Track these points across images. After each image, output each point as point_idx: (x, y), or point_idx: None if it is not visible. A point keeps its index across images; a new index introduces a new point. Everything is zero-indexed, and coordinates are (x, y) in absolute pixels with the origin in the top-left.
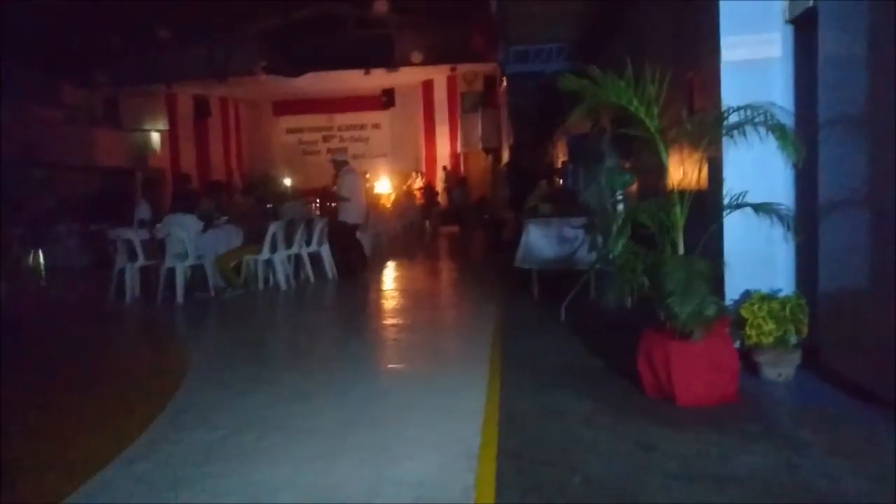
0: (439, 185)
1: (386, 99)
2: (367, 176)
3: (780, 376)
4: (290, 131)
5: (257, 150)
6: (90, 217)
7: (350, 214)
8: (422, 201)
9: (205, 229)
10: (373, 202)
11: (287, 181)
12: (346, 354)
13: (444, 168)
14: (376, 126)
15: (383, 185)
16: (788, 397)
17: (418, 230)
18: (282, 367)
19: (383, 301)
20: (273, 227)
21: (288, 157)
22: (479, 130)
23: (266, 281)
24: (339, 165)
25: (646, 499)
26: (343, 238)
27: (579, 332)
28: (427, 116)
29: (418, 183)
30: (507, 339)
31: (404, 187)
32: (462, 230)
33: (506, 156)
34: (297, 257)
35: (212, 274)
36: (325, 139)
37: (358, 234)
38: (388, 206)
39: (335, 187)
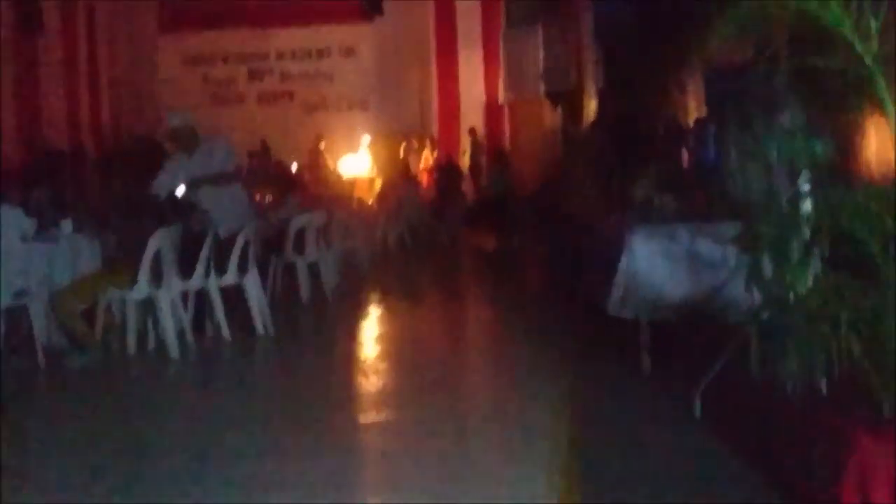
0: (463, 162)
1: (367, 2)
2: (322, 145)
3: None
4: (190, 61)
5: (131, 95)
6: None
7: (226, 218)
8: (432, 190)
9: (35, 239)
10: (339, 193)
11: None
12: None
13: (472, 132)
14: (348, 52)
15: (359, 162)
16: None
17: (425, 241)
18: None
19: (358, 377)
20: (155, 241)
21: (186, 106)
22: (538, 61)
23: (142, 338)
24: (183, 137)
25: None
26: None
27: (730, 439)
28: (442, 35)
29: (424, 158)
30: (592, 460)
31: (399, 166)
32: (503, 241)
33: (590, 108)
34: (200, 296)
35: (43, 323)
36: (254, 76)
37: (306, 258)
38: (370, 198)
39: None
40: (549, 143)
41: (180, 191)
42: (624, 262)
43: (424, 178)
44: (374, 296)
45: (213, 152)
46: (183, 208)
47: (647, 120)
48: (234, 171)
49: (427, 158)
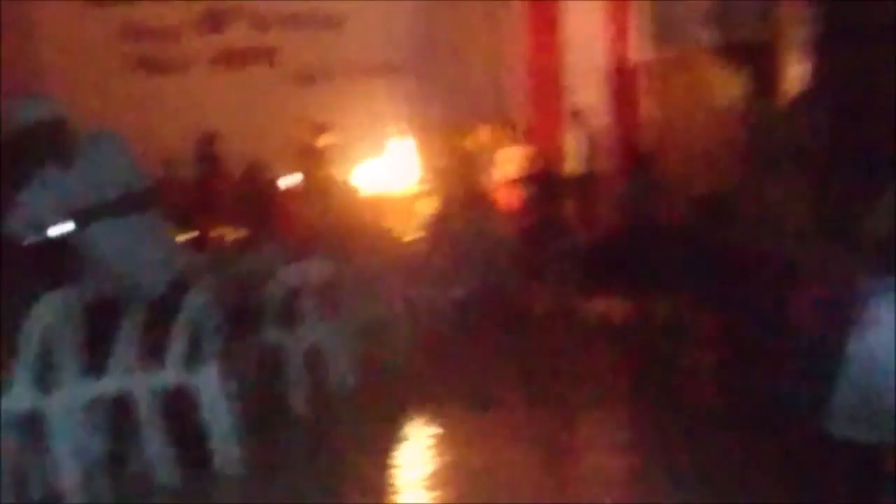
0: (566, 168)
1: None
2: (324, 141)
3: None
4: None
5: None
6: None
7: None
8: (517, 218)
9: None
10: (354, 224)
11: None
12: None
13: (577, 115)
14: None
15: (389, 171)
16: None
17: (506, 309)
18: None
19: None
20: (40, 316)
21: (89, 75)
22: None
23: (20, 479)
24: (47, 139)
25: None
26: None
27: None
28: None
29: (505, 162)
30: None
31: (461, 176)
32: (642, 307)
33: (793, 73)
34: (121, 406)
35: None
36: (209, 23)
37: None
38: (410, 233)
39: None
40: (721, 132)
41: (57, 229)
42: (856, 347)
43: (505, 198)
44: (416, 407)
45: (102, 160)
46: (70, 259)
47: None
48: (146, 190)
49: (509, 163)
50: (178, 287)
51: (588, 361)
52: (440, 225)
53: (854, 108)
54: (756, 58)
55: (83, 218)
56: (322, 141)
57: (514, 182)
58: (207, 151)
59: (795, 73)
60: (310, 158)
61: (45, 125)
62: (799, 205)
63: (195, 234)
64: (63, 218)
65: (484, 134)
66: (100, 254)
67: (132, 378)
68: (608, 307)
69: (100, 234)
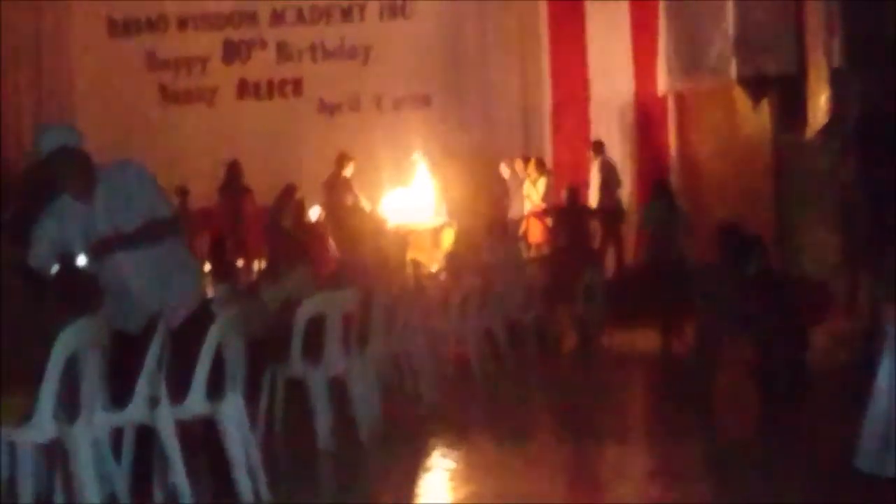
0: (591, 195)
1: None
2: (349, 171)
3: None
4: (122, 28)
5: (24, 85)
6: None
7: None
8: (545, 251)
9: None
10: (381, 255)
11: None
12: None
13: (598, 147)
14: (397, 11)
15: (415, 202)
16: None
17: (534, 343)
18: None
19: None
20: (63, 346)
21: (119, 106)
22: (726, 23)
23: None
24: (67, 169)
25: None
26: None
27: None
28: None
29: (530, 194)
30: None
31: (488, 208)
32: (675, 341)
33: (819, 105)
34: (143, 436)
35: None
36: (234, 52)
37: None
38: (436, 265)
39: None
40: (748, 164)
41: (82, 258)
42: (884, 379)
43: (531, 230)
44: (444, 442)
45: (124, 189)
46: (94, 288)
47: None
48: (170, 219)
49: (534, 195)
50: (203, 317)
51: (615, 392)
52: (466, 257)
53: (877, 141)
54: (779, 90)
55: (107, 247)
56: (347, 171)
57: (540, 214)
58: (234, 180)
59: (822, 105)
60: (336, 188)
61: (66, 153)
62: (827, 237)
63: (221, 263)
64: (87, 247)
65: (512, 166)
66: (125, 283)
67: (156, 410)
68: (638, 340)
69: (125, 263)
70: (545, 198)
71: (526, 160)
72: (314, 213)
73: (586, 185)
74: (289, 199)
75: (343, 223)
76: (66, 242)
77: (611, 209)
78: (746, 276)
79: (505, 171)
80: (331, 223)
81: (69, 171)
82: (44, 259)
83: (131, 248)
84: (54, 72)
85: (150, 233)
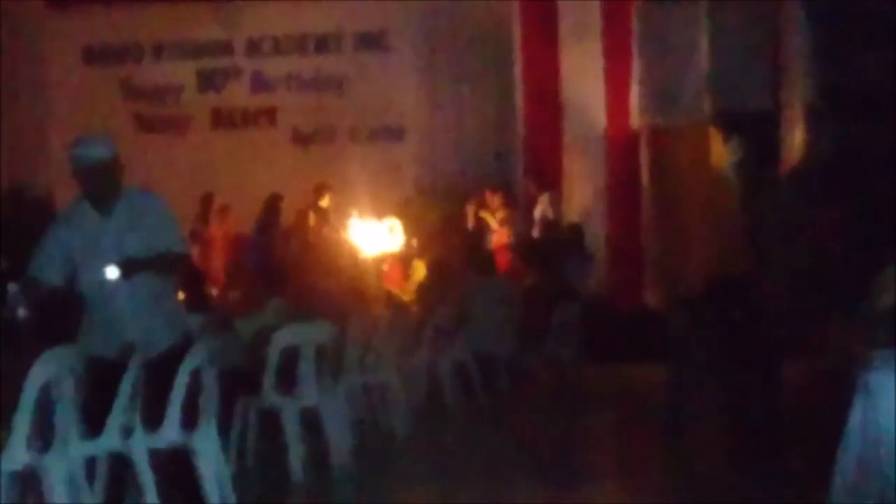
0: (535, 230)
1: None
2: (326, 202)
3: None
4: (97, 55)
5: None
6: None
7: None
8: (519, 283)
9: None
10: (355, 286)
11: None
12: None
13: (544, 183)
14: (372, 42)
15: (390, 233)
16: None
17: (508, 377)
18: None
19: None
20: (39, 373)
21: (93, 133)
22: (700, 58)
23: None
24: (101, 180)
25: None
26: None
27: None
28: (534, 15)
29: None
30: None
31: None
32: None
33: (794, 142)
34: (118, 466)
35: None
36: (209, 82)
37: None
38: (409, 295)
39: None
40: (721, 200)
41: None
42: (857, 414)
43: (502, 262)
44: (416, 475)
45: (145, 215)
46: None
47: None
48: (183, 256)
49: (505, 228)
50: (183, 348)
51: (586, 430)
52: (438, 288)
53: (851, 179)
54: (753, 128)
55: (135, 267)
56: (324, 202)
57: (510, 247)
58: (205, 209)
59: (796, 143)
60: (311, 219)
61: (101, 166)
62: (800, 277)
63: (196, 292)
64: (116, 261)
65: (485, 199)
66: (118, 307)
67: (130, 439)
68: (607, 373)
69: (123, 287)
70: (508, 230)
71: (498, 192)
72: None
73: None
74: (276, 211)
75: (317, 252)
76: (69, 250)
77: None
78: (728, 319)
79: (482, 203)
80: (303, 251)
81: (96, 181)
82: (46, 268)
83: (147, 272)
84: (29, 98)
85: (168, 264)
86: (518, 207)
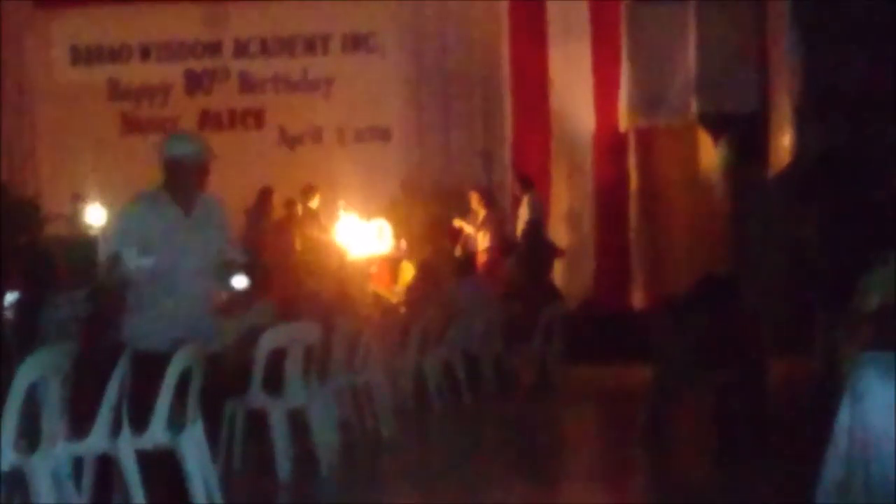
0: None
1: None
2: (315, 203)
3: None
4: (85, 56)
5: None
6: None
7: (153, 324)
8: (504, 285)
9: None
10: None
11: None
12: None
13: (527, 183)
14: (359, 43)
15: (377, 235)
16: None
17: (491, 378)
18: None
19: None
20: (27, 372)
21: (80, 134)
22: (688, 60)
23: None
24: (189, 178)
25: None
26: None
27: None
28: (522, 16)
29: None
30: None
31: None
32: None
33: (781, 144)
34: (104, 466)
35: None
36: (196, 83)
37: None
38: (396, 296)
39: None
40: (708, 202)
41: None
42: (844, 419)
43: (486, 265)
44: (403, 475)
45: (214, 219)
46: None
47: (888, 167)
48: (249, 263)
49: (488, 231)
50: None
51: (571, 431)
52: (424, 289)
53: (839, 182)
54: (740, 129)
55: (233, 269)
56: (312, 203)
57: (494, 249)
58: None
59: (784, 145)
60: (299, 221)
61: (191, 163)
62: (787, 278)
63: None
64: (189, 262)
65: (473, 200)
66: (178, 302)
67: (117, 440)
68: (592, 374)
69: (193, 286)
70: (488, 231)
71: (487, 194)
72: None
73: (547, 220)
74: (268, 204)
75: (304, 254)
76: (148, 238)
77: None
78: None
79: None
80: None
81: (189, 177)
82: (128, 247)
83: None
84: (15, 98)
85: (252, 269)
86: (497, 207)
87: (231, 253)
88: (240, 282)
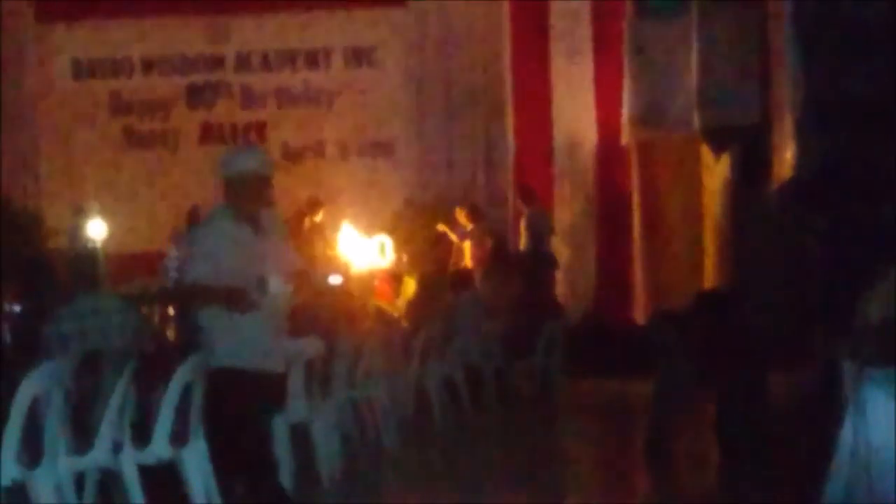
0: (521, 243)
1: None
2: (319, 218)
3: None
4: (87, 69)
5: None
6: None
7: (244, 342)
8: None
9: None
10: (344, 302)
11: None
12: None
13: (529, 195)
14: (362, 57)
15: (379, 249)
16: None
17: (494, 391)
18: None
19: None
20: (30, 386)
21: (82, 147)
22: (690, 73)
23: None
24: (255, 191)
25: None
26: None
27: None
28: (524, 29)
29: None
30: None
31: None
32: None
33: (783, 158)
34: (107, 481)
35: None
36: (198, 97)
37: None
38: (398, 310)
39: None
40: (710, 215)
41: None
42: (847, 431)
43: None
44: (405, 489)
45: (278, 232)
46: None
47: (890, 180)
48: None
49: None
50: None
51: (572, 444)
52: (425, 303)
53: (842, 196)
54: (742, 142)
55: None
56: (316, 217)
57: (482, 263)
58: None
59: (787, 159)
60: (302, 235)
61: (258, 177)
62: (789, 292)
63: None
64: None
65: (474, 213)
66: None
67: (119, 454)
68: (594, 387)
69: (276, 304)
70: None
71: (473, 209)
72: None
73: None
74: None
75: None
76: (218, 260)
77: (542, 258)
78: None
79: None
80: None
81: (257, 192)
82: (203, 275)
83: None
84: (17, 112)
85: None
86: (482, 222)
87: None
88: (335, 279)
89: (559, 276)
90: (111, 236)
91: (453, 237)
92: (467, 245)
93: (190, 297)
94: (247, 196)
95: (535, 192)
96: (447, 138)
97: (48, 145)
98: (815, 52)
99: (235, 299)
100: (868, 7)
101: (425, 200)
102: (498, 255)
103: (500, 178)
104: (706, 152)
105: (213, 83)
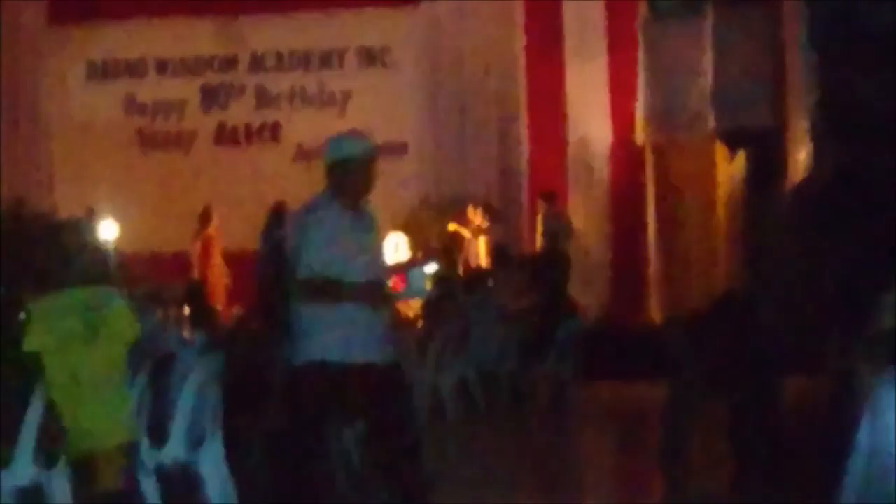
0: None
1: None
2: None
3: None
4: (100, 71)
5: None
6: None
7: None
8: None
9: None
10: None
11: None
12: None
13: (549, 198)
14: (375, 58)
15: (394, 249)
16: None
17: (509, 395)
18: None
19: None
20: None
21: (96, 149)
22: (704, 74)
23: None
24: (356, 179)
25: None
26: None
27: None
28: (538, 29)
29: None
30: None
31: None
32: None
33: (798, 160)
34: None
35: None
36: (212, 98)
37: None
38: (413, 312)
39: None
40: (724, 217)
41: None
42: (863, 436)
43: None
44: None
45: (374, 219)
46: None
47: None
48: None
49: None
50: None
51: (586, 448)
52: (440, 305)
53: (857, 200)
54: (756, 145)
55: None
56: None
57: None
58: (207, 226)
59: (801, 161)
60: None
61: (360, 164)
62: (804, 295)
63: (200, 307)
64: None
65: (489, 214)
66: (361, 313)
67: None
68: (609, 391)
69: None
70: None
71: (483, 209)
72: None
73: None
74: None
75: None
76: (322, 249)
77: (557, 260)
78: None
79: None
80: None
81: (363, 177)
82: (313, 267)
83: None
84: (31, 113)
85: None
86: (499, 221)
87: None
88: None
89: (573, 276)
90: (125, 237)
91: (466, 233)
92: (482, 243)
93: (321, 293)
94: (351, 182)
95: (555, 194)
96: (461, 138)
97: (62, 147)
98: (828, 55)
99: (375, 295)
100: (881, 11)
101: (440, 200)
102: (498, 256)
103: (514, 177)
104: (721, 153)
105: (228, 84)
